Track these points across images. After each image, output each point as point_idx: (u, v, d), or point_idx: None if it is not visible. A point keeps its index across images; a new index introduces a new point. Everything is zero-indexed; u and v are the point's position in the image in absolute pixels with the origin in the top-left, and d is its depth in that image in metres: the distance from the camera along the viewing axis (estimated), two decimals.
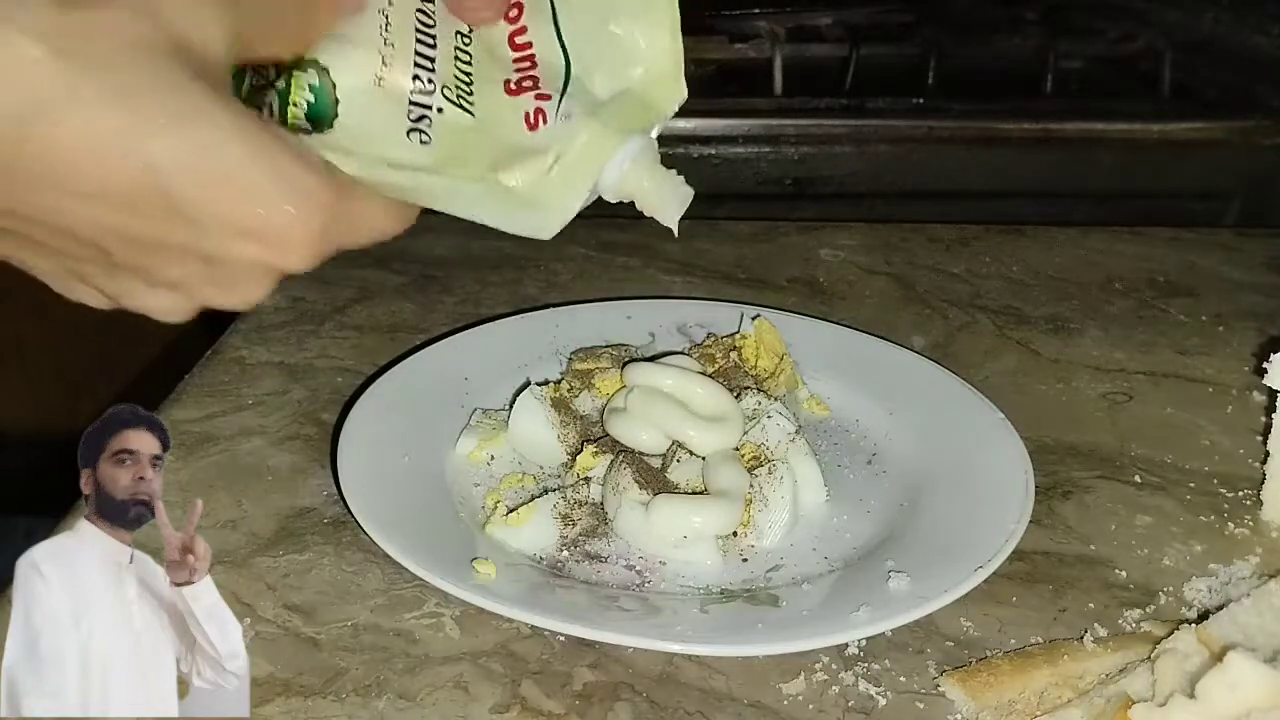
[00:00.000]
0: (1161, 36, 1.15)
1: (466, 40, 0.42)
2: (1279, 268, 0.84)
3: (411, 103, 0.40)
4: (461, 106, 0.41)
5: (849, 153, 1.06)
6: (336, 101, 0.40)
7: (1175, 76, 1.11)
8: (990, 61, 1.20)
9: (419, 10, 0.42)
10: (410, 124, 0.41)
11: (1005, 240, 0.88)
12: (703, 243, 0.85)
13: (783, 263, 0.83)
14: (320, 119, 0.40)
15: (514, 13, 0.43)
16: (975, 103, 1.08)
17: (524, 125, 0.42)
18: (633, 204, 0.46)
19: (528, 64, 0.43)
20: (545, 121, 0.42)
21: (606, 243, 0.84)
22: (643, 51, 0.44)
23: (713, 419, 0.56)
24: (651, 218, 0.46)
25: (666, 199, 0.46)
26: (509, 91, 0.43)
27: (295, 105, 0.39)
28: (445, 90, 0.41)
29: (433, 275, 0.79)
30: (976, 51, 1.21)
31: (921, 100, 1.08)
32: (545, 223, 0.43)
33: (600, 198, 0.45)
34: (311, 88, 0.39)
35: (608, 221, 0.89)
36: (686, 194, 0.46)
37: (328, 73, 0.39)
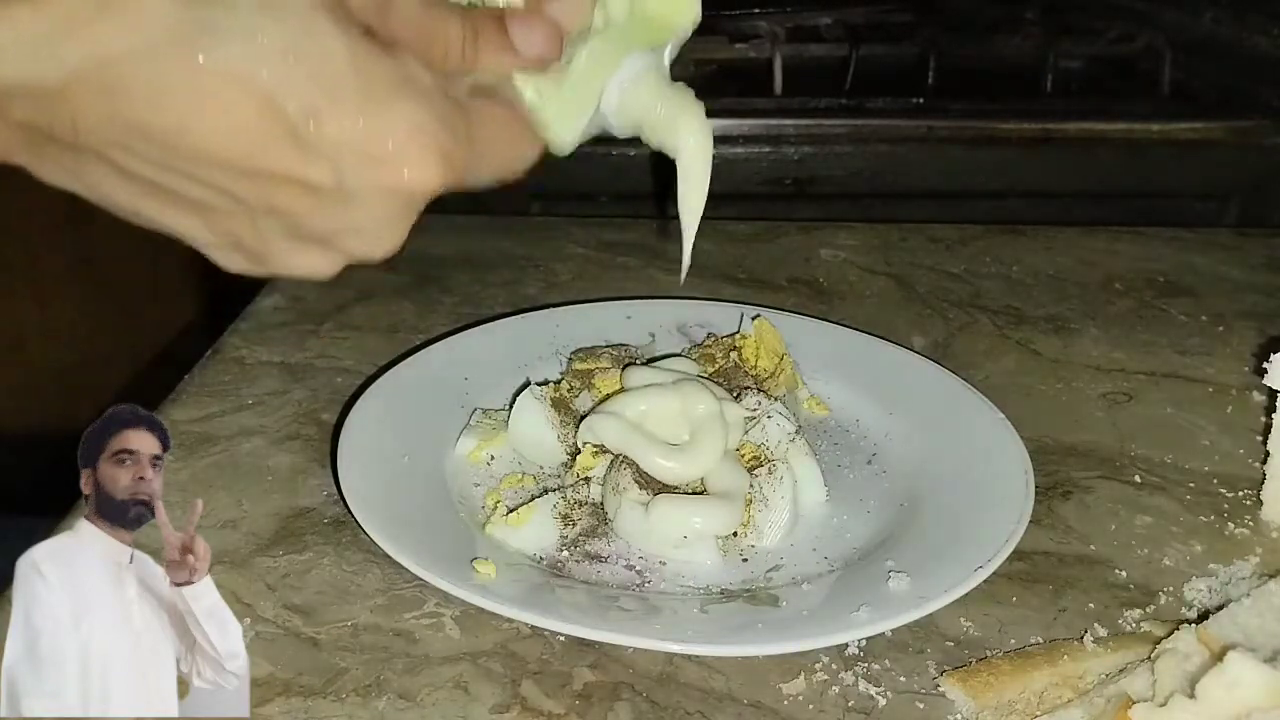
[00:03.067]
0: (1161, 36, 1.14)
1: None
2: (1279, 268, 0.84)
3: None
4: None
5: (849, 153, 1.05)
6: None
7: (1175, 76, 1.11)
8: (990, 61, 1.20)
9: None
10: None
11: (1005, 240, 0.88)
12: (703, 243, 0.85)
13: (783, 263, 0.83)
14: None
15: None
16: (975, 103, 1.08)
17: None
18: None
19: None
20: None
21: (606, 243, 0.84)
22: None
23: (684, 445, 0.54)
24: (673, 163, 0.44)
25: (673, 121, 0.43)
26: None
27: None
28: None
29: (433, 275, 0.79)
30: (976, 51, 1.21)
31: (921, 100, 1.08)
32: (557, 142, 0.42)
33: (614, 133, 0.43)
34: None
35: (608, 221, 0.89)
36: (698, 112, 0.43)
37: None
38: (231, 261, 0.39)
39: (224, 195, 0.36)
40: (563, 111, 0.41)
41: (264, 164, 0.35)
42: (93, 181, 0.36)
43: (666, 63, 0.43)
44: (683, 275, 0.48)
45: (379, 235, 0.38)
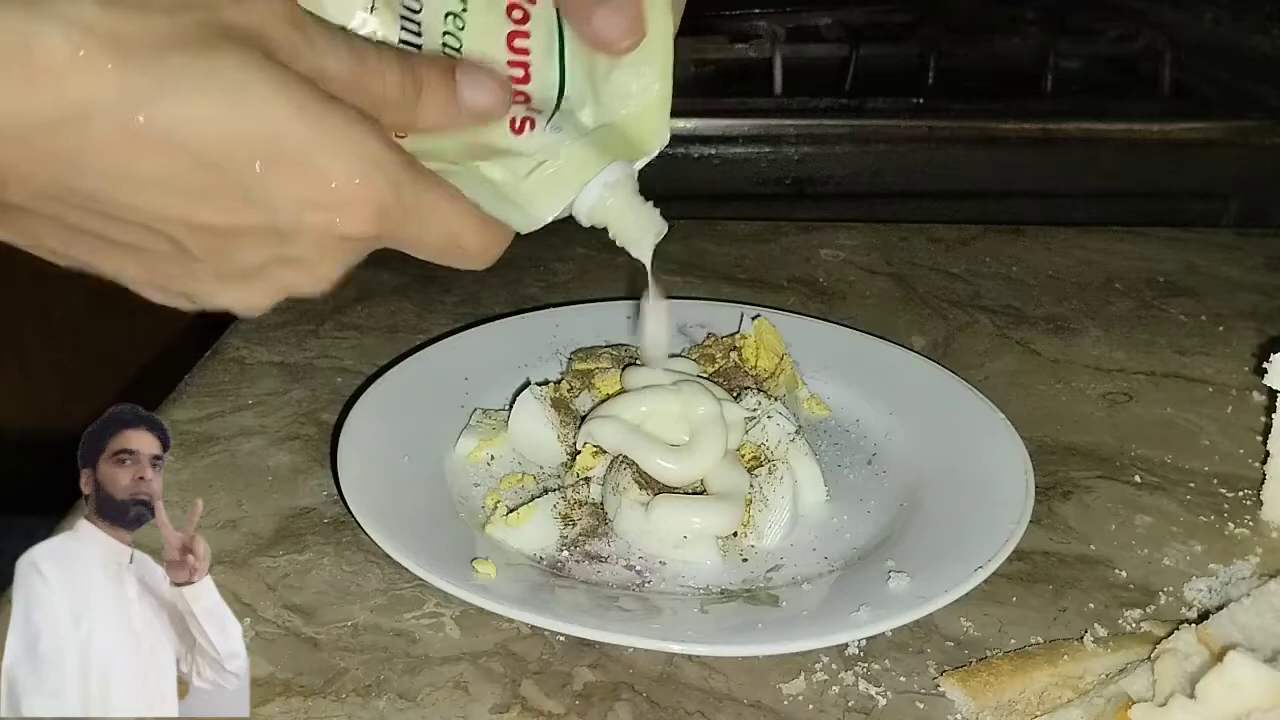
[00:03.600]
0: (1161, 36, 1.15)
1: (459, 25, 0.42)
2: (1279, 268, 0.84)
3: None
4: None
5: (849, 153, 1.06)
6: None
7: (1175, 76, 1.11)
8: (990, 61, 1.20)
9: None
10: None
11: (1005, 240, 0.88)
12: (703, 243, 0.85)
13: (783, 263, 0.83)
14: None
15: (517, 14, 0.43)
16: (975, 103, 1.08)
17: (509, 129, 0.42)
18: (605, 231, 0.47)
19: (521, 71, 0.43)
20: (532, 129, 0.43)
21: (606, 243, 0.84)
22: (634, 92, 0.45)
23: (684, 446, 0.54)
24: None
25: (641, 230, 0.47)
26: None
27: None
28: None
29: (433, 275, 0.79)
30: (976, 51, 1.21)
31: (921, 100, 1.08)
32: (517, 220, 0.43)
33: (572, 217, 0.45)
34: None
35: None
36: (661, 228, 0.47)
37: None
38: (165, 299, 0.39)
39: (159, 241, 0.36)
40: (541, 193, 0.43)
41: (202, 218, 0.35)
42: (21, 228, 0.36)
43: (635, 176, 0.46)
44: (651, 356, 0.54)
45: (314, 272, 0.38)
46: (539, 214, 0.43)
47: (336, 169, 0.35)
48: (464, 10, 0.42)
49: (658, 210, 0.47)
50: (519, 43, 0.43)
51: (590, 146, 0.44)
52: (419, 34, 0.42)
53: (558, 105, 0.43)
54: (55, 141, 0.32)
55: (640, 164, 0.46)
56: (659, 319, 0.55)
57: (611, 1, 0.42)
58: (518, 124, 0.42)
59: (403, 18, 0.42)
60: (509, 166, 0.43)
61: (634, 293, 0.76)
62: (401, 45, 0.41)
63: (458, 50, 0.42)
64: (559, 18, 0.43)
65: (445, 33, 0.42)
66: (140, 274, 0.38)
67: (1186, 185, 1.08)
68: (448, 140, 0.41)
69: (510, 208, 0.43)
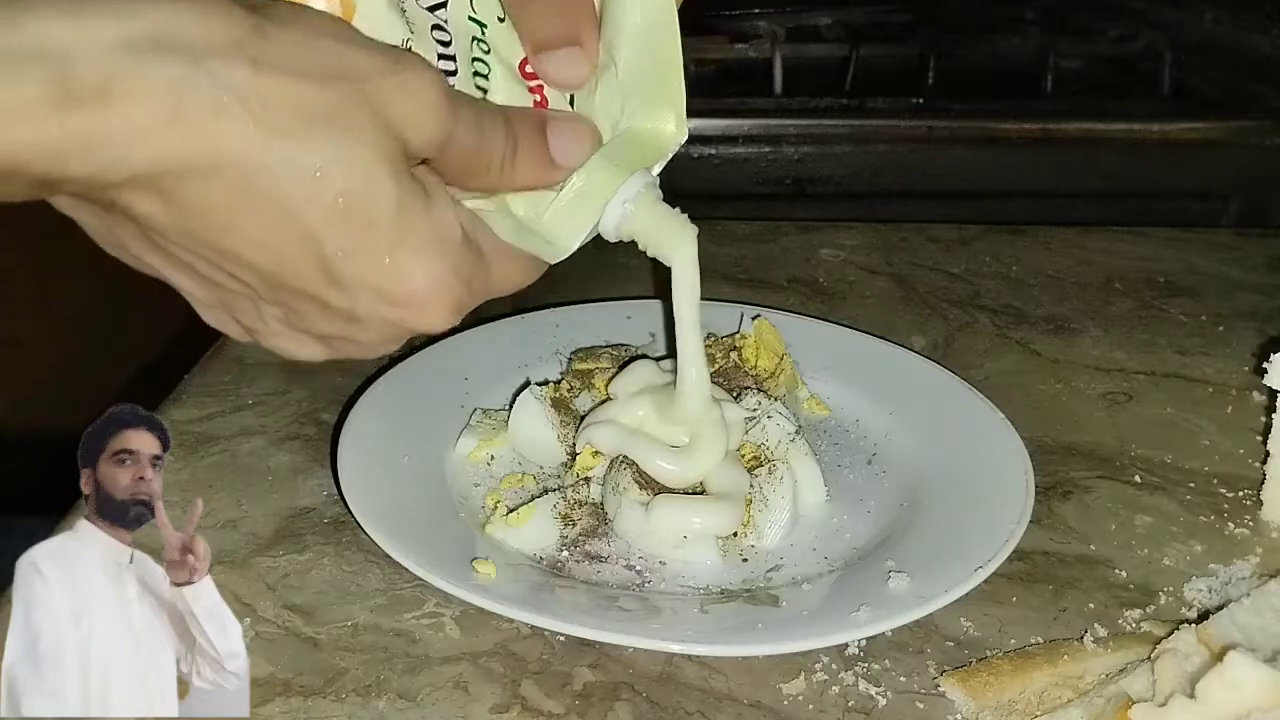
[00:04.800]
0: (1161, 36, 1.15)
1: (484, 49, 0.42)
2: (1279, 268, 0.84)
3: None
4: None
5: (849, 153, 1.06)
6: None
7: (1175, 76, 1.11)
8: (990, 61, 1.20)
9: (434, 26, 0.42)
10: None
11: (1005, 240, 0.88)
12: (703, 243, 0.85)
13: (783, 263, 0.83)
14: None
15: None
16: (975, 103, 1.09)
17: None
18: (635, 244, 0.47)
19: (538, 95, 0.43)
20: None
21: (607, 243, 0.84)
22: (645, 96, 0.44)
23: (684, 447, 0.54)
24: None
25: (672, 240, 0.47)
26: None
27: None
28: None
29: None
30: (976, 51, 1.21)
31: (921, 100, 1.08)
32: (546, 252, 0.44)
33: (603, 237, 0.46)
34: None
35: None
36: (690, 234, 0.48)
37: None
38: (218, 323, 0.42)
39: (240, 284, 0.38)
40: (563, 227, 0.44)
41: (286, 279, 0.37)
42: (116, 238, 0.38)
43: (656, 179, 0.46)
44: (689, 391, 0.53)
45: (374, 349, 0.41)
46: (565, 244, 0.44)
47: (418, 273, 0.37)
48: (485, 33, 0.43)
49: (684, 215, 0.47)
50: (529, 67, 0.43)
51: (605, 162, 0.44)
52: (455, 70, 0.42)
53: None
54: (179, 185, 0.34)
55: (659, 167, 0.46)
56: (694, 351, 0.53)
57: (555, 44, 0.43)
58: None
59: (439, 55, 0.42)
60: (530, 201, 0.43)
61: (632, 293, 0.76)
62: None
63: (486, 78, 0.43)
64: None
65: (474, 59, 0.42)
66: (210, 299, 0.40)
67: (1186, 185, 1.08)
68: None
69: (538, 241, 0.43)
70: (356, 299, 0.37)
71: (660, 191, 0.46)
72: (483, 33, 0.42)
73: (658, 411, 0.55)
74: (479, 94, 0.43)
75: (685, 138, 0.45)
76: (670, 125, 0.45)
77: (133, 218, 0.36)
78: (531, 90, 0.43)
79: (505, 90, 0.43)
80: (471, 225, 0.41)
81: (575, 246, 0.44)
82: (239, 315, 0.41)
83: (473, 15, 0.42)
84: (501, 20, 0.42)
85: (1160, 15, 1.23)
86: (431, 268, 0.38)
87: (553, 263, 0.44)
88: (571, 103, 0.44)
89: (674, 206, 0.47)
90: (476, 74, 0.43)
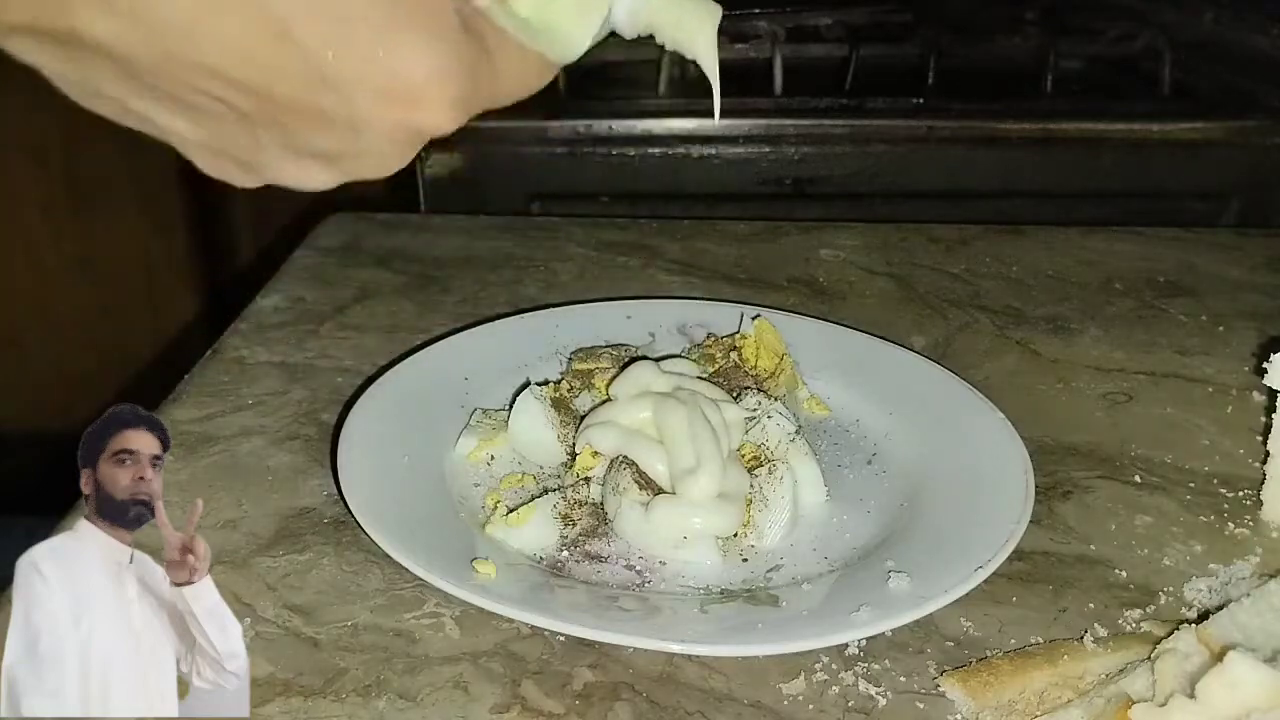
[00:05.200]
0: (1161, 36, 1.15)
1: None
2: (1279, 268, 0.84)
3: None
4: None
5: (849, 153, 1.06)
6: None
7: (1175, 76, 1.11)
8: (990, 61, 1.20)
9: None
10: None
11: (1005, 240, 0.88)
12: (703, 243, 0.85)
13: (783, 263, 0.83)
14: None
15: None
16: (975, 103, 1.08)
17: None
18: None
19: None
20: None
21: (606, 243, 0.84)
22: None
23: (689, 470, 0.53)
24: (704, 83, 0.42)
25: (696, 21, 0.42)
26: None
27: None
28: None
29: (433, 275, 0.79)
30: (976, 51, 1.21)
31: (921, 100, 1.08)
32: (560, 50, 0.40)
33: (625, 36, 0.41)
34: None
35: (608, 221, 0.89)
36: (714, 10, 0.42)
37: None
38: (218, 169, 0.38)
39: (227, 106, 0.35)
40: (572, 20, 0.40)
41: (274, 89, 0.34)
42: (91, 83, 0.35)
43: None
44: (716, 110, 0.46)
45: (382, 162, 0.37)
46: (577, 38, 0.40)
47: (415, 62, 0.34)
48: None
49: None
50: None
51: None
52: None
53: None
54: None
55: None
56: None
57: None
58: None
59: None
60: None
61: (632, 293, 0.76)
62: None
63: None
64: None
65: None
66: (203, 136, 0.37)
67: (1186, 185, 1.08)
68: None
69: (546, 39, 0.39)
70: (353, 101, 0.34)
71: None
72: None
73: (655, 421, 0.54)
74: None
75: None
76: None
77: (99, 47, 0.33)
78: None
79: None
80: (469, 13, 0.37)
81: (588, 42, 0.40)
82: (236, 150, 0.37)
83: None
84: None
85: (1160, 15, 1.23)
86: (429, 55, 0.34)
87: (564, 62, 0.40)
88: None
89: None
90: None
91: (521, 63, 0.38)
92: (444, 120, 0.35)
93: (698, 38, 0.42)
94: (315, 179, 0.38)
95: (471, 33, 0.36)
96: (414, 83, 0.34)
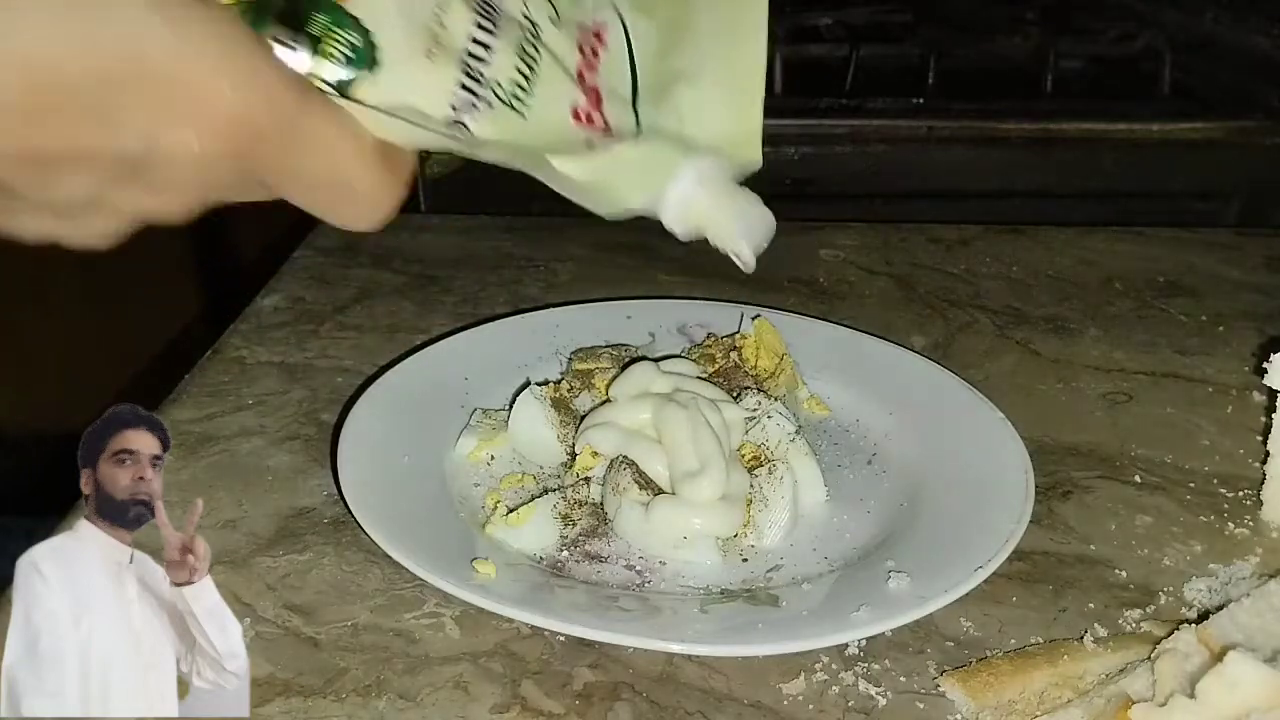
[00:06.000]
0: (1161, 36, 1.15)
1: (533, 37, 0.37)
2: (1279, 268, 0.84)
3: (462, 86, 0.35)
4: (513, 107, 0.37)
5: (849, 153, 1.05)
6: (374, 63, 0.34)
7: (1175, 76, 1.11)
8: (990, 61, 1.20)
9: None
10: (452, 113, 0.36)
11: (1005, 240, 0.88)
12: (703, 243, 0.85)
13: (783, 263, 0.83)
14: (352, 81, 0.36)
15: (589, 50, 0.39)
16: (975, 103, 1.08)
17: (581, 143, 0.38)
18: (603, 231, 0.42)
19: (594, 100, 0.39)
20: (606, 141, 0.39)
21: (606, 243, 0.84)
22: (716, 114, 0.40)
23: (692, 474, 0.53)
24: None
25: (738, 229, 0.42)
26: (576, 119, 0.39)
27: (331, 54, 0.34)
28: (497, 86, 0.36)
29: (433, 275, 0.79)
30: (976, 51, 1.21)
31: (921, 100, 1.08)
32: (597, 204, 0.39)
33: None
34: (351, 45, 0.34)
35: (608, 222, 0.89)
36: (765, 224, 0.43)
37: (368, 34, 0.34)
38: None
39: None
40: (624, 177, 0.39)
41: (35, 142, 0.30)
42: None
43: (729, 175, 0.41)
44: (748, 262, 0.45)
45: (170, 198, 0.33)
46: (624, 198, 0.39)
47: (202, 78, 0.30)
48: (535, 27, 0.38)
49: (760, 203, 0.42)
50: (588, 76, 0.39)
51: (672, 142, 0.39)
52: (494, 32, 0.36)
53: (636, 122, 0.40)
54: None
55: (735, 174, 0.41)
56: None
57: None
58: (592, 142, 0.39)
59: (477, 25, 0.36)
60: (582, 163, 0.38)
61: (632, 293, 0.76)
62: (474, 37, 0.35)
63: (533, 61, 0.37)
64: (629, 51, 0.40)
65: (522, 42, 0.37)
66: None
67: (1186, 185, 1.08)
68: (518, 144, 0.37)
69: (590, 194, 0.38)
70: (128, 130, 0.30)
71: (731, 179, 0.41)
72: (534, 29, 0.38)
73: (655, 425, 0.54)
74: (520, 63, 0.37)
75: (759, 163, 0.41)
76: (743, 148, 0.41)
77: None
78: (583, 90, 0.39)
79: (551, 77, 0.38)
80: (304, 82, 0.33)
81: (636, 204, 0.39)
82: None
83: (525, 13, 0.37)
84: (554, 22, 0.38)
85: (1160, 15, 1.23)
86: (219, 72, 0.30)
87: (604, 215, 0.39)
88: (635, 108, 0.40)
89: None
90: (523, 50, 0.37)
91: (339, 132, 0.33)
92: (233, 143, 0.31)
93: (744, 251, 0.43)
94: (89, 231, 0.33)
95: (294, 83, 0.32)
96: (201, 100, 0.30)
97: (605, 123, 0.39)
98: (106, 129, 0.30)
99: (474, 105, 0.36)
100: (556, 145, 0.38)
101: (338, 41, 0.34)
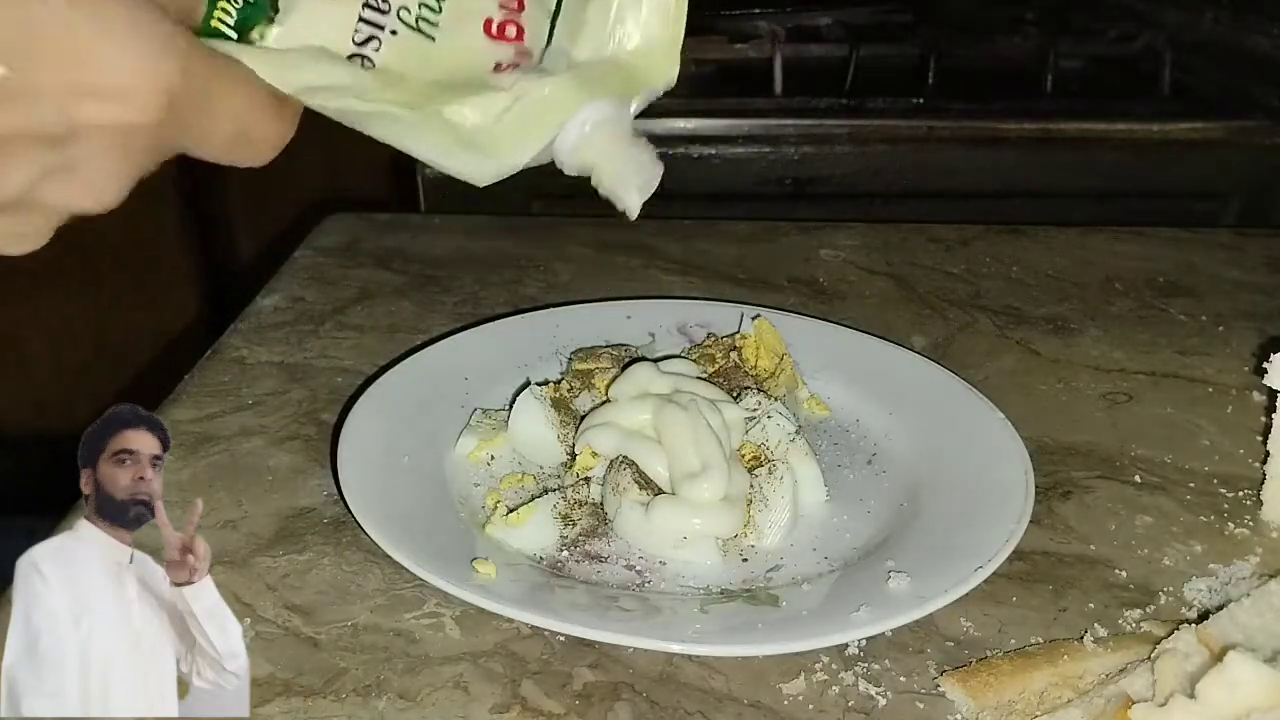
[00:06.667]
0: (1161, 36, 1.15)
1: None
2: (1279, 268, 0.84)
3: (362, 20, 0.36)
4: (420, 31, 0.37)
5: (849, 153, 1.06)
6: (274, 8, 0.35)
7: (1175, 76, 1.11)
8: (990, 61, 1.20)
9: None
10: (354, 47, 0.36)
11: (1005, 240, 0.88)
12: (703, 243, 0.85)
13: (783, 263, 0.83)
14: (249, 25, 0.35)
15: None
16: (975, 103, 1.09)
17: (490, 68, 0.38)
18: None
19: (514, 4, 0.38)
20: (515, 69, 0.38)
21: (606, 243, 0.84)
22: (639, 22, 0.40)
23: (695, 474, 0.53)
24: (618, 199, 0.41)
25: (627, 175, 0.41)
26: (488, 33, 0.38)
27: (222, 7, 0.34)
28: (404, 10, 0.36)
29: (433, 275, 0.79)
30: (976, 51, 1.21)
31: (921, 100, 1.08)
32: (483, 168, 0.39)
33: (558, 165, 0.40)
34: None
35: (608, 221, 0.89)
36: (652, 173, 0.41)
37: None
38: None
39: None
40: (513, 134, 0.38)
41: None
42: None
43: (631, 115, 0.41)
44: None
45: (92, 182, 0.32)
46: (511, 158, 0.38)
47: (115, 51, 0.30)
48: None
49: (654, 153, 0.41)
50: None
51: (577, 81, 0.39)
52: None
53: (548, 42, 0.39)
54: None
55: (639, 103, 0.41)
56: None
57: None
58: (504, 65, 0.38)
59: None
60: (482, 107, 0.38)
61: (632, 293, 0.76)
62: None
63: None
64: None
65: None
66: None
67: (1186, 185, 1.08)
68: (413, 75, 0.37)
69: (478, 155, 0.38)
70: (44, 105, 0.30)
71: (630, 127, 0.40)
72: None
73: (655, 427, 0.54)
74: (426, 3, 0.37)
75: (674, 80, 0.40)
76: (661, 62, 0.40)
77: None
78: (503, 4, 0.38)
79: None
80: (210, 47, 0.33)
81: (522, 162, 0.39)
82: None
83: None
84: None
85: (1160, 15, 1.23)
86: (132, 42, 0.30)
87: (488, 180, 0.38)
88: (555, 16, 0.39)
89: (653, 157, 0.41)
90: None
91: (249, 103, 0.34)
92: (152, 112, 0.31)
93: (631, 196, 0.41)
94: (21, 232, 0.33)
95: (197, 45, 0.33)
96: (116, 71, 0.30)
97: (519, 31, 0.38)
98: (21, 107, 0.30)
99: (375, 36, 0.36)
100: (460, 74, 0.38)
101: None
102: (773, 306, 0.72)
